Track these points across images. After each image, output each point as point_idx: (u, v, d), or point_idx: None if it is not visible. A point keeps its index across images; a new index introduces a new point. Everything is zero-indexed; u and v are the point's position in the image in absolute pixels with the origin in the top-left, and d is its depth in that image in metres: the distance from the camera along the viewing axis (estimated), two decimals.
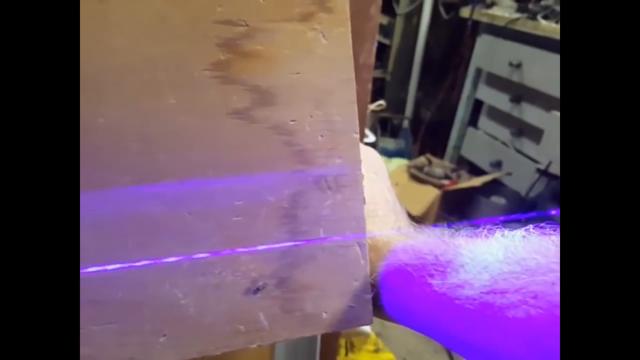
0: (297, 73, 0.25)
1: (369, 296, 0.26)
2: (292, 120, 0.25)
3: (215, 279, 0.23)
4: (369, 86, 0.72)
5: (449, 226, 0.25)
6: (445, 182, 1.80)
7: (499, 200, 1.67)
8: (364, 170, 0.30)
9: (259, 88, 0.24)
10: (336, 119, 0.25)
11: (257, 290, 0.24)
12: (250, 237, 0.24)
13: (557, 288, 0.17)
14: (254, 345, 0.24)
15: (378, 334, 1.02)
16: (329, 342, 0.71)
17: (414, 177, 1.83)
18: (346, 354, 0.95)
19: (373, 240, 0.27)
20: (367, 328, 0.95)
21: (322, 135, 0.25)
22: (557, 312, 0.17)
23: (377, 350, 0.98)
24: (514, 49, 1.66)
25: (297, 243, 0.24)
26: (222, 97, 0.24)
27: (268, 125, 0.24)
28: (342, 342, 0.95)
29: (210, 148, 0.23)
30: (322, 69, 0.25)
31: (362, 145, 0.35)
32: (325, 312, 0.25)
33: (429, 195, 1.73)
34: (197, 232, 0.23)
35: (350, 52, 0.25)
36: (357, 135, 0.26)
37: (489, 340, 0.19)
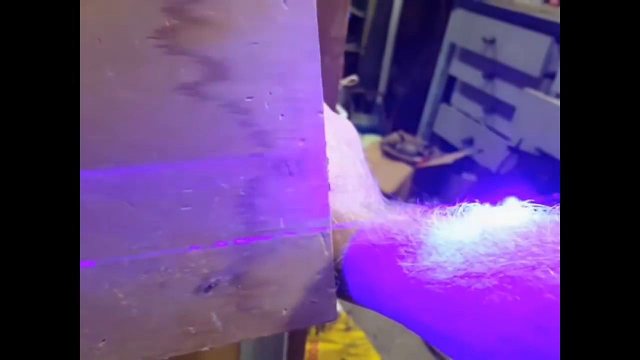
0: (255, 43, 0.22)
1: (333, 290, 0.24)
2: (248, 98, 0.22)
3: (161, 277, 0.21)
4: (341, 60, 0.69)
5: (422, 204, 0.23)
6: (418, 159, 1.81)
7: (469, 177, 1.68)
8: (335, 142, 0.28)
9: (210, 60, 0.21)
10: (299, 97, 0.23)
11: (209, 287, 0.21)
12: (201, 229, 0.21)
13: (538, 273, 0.16)
14: (206, 348, 0.21)
15: (349, 312, 1.02)
16: None
17: (387, 154, 1.82)
18: (317, 333, 0.95)
19: (339, 219, 0.24)
20: (337, 307, 0.95)
21: (283, 115, 0.22)
22: (536, 301, 0.15)
23: (347, 329, 0.98)
24: (488, 24, 1.65)
25: (254, 235, 0.22)
26: (168, 69, 0.21)
27: (221, 103, 0.21)
28: None
29: (154, 128, 0.20)
30: (283, 39, 0.22)
31: (336, 116, 0.33)
32: (285, 309, 0.23)
33: (401, 172, 1.73)
34: (140, 225, 0.20)
35: (315, 20, 0.23)
36: (322, 115, 0.23)
37: (461, 329, 0.17)
